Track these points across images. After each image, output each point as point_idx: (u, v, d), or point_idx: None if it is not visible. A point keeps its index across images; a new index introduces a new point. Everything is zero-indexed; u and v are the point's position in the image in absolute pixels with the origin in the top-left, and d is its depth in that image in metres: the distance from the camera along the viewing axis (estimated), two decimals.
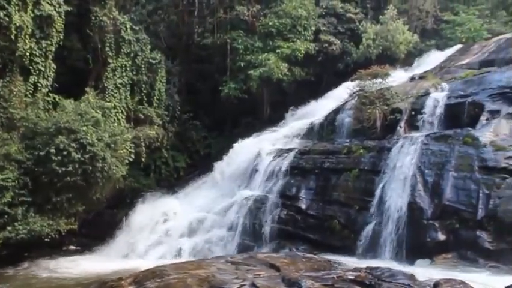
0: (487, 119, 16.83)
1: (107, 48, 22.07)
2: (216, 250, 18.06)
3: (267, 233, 18.10)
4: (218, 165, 22.18)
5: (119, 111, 22.01)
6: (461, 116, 17.68)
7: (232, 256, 11.63)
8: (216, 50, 27.30)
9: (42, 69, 19.07)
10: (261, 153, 20.52)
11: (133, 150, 20.71)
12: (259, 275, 9.09)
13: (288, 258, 10.91)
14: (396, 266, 11.88)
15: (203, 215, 19.82)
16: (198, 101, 27.53)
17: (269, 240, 18.00)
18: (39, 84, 19.09)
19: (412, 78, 22.30)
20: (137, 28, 23.52)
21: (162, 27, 27.62)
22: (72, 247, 21.14)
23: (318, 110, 22.59)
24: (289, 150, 20.13)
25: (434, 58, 25.53)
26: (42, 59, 19.08)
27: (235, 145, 22.30)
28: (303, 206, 18.16)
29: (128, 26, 22.71)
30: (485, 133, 15.99)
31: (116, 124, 21.01)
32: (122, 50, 22.50)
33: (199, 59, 28.51)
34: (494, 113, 16.91)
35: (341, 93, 22.45)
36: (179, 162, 26.18)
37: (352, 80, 21.78)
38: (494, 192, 14.37)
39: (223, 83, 26.33)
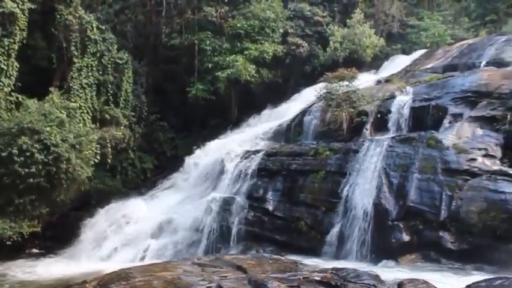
0: (450, 122, 17.19)
1: (72, 48, 21.73)
2: (183, 252, 17.94)
3: (234, 235, 18.07)
4: (185, 167, 22.06)
5: (85, 111, 21.68)
6: (425, 119, 18.01)
7: (199, 258, 11.59)
8: (183, 50, 27.13)
9: (5, 67, 18.64)
10: (228, 154, 20.48)
11: (98, 151, 20.42)
12: (225, 276, 9.07)
13: (255, 259, 10.91)
14: (361, 267, 12.01)
15: (170, 217, 19.67)
16: (166, 102, 27.33)
17: (236, 241, 17.97)
18: (1, 83, 18.67)
19: (378, 82, 22.62)
20: (103, 27, 23.21)
21: (129, 27, 27.28)
22: (35, 250, 20.71)
23: (285, 111, 22.71)
24: (257, 151, 20.16)
25: (399, 62, 25.97)
26: (5, 58, 18.67)
27: (203, 146, 22.24)
28: (270, 208, 18.20)
29: (94, 25, 22.39)
30: (448, 136, 16.32)
31: (81, 125, 20.72)
32: (88, 50, 22.17)
33: (166, 60, 28.30)
34: (457, 116, 17.28)
35: (309, 96, 22.62)
36: (146, 164, 25.92)
37: (319, 83, 21.96)
38: (456, 194, 14.69)
39: (191, 84, 26.21)
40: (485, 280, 9.16)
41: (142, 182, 25.14)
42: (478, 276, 10.42)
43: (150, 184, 23.97)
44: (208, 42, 26.07)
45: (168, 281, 8.52)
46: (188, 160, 22.25)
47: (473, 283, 9.10)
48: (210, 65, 25.79)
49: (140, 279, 8.66)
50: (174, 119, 27.65)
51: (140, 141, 25.42)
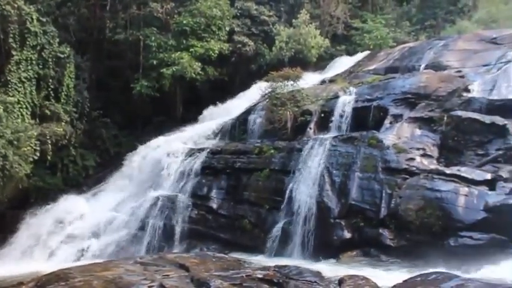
0: (391, 123, 17.68)
1: (10, 40, 20.90)
2: (126, 251, 17.65)
3: (177, 233, 17.95)
4: (128, 165, 21.72)
5: (24, 106, 20.94)
6: (367, 119, 18.43)
7: (141, 257, 11.45)
8: (128, 46, 26.67)
9: None
10: (172, 152, 20.30)
11: (38, 148, 19.86)
12: (168, 275, 9.02)
13: (198, 258, 10.90)
14: (304, 264, 12.24)
15: (112, 215, 19.30)
16: (109, 98, 26.73)
17: (180, 240, 17.86)
18: None
19: (322, 82, 22.96)
20: (44, 20, 22.44)
21: (72, 20, 26.46)
22: None
23: (231, 110, 22.71)
24: (201, 149, 20.07)
25: (343, 63, 26.39)
26: None
27: (147, 144, 21.95)
28: (214, 206, 18.22)
29: (34, 17, 21.63)
30: (389, 136, 16.79)
31: (19, 120, 20.05)
32: (27, 42, 21.40)
33: (110, 55, 27.71)
34: (397, 117, 17.80)
35: (254, 94, 22.71)
36: (88, 161, 25.26)
37: (264, 81, 22.07)
38: (395, 192, 15.15)
39: (135, 81, 25.80)
40: (420, 275, 9.55)
41: (83, 180, 24.48)
42: (414, 272, 10.79)
43: (92, 182, 23.38)
44: (153, 38, 25.72)
45: (109, 280, 8.37)
46: (132, 158, 21.89)
47: (410, 278, 9.47)
48: (155, 62, 25.47)
49: (80, 279, 8.48)
50: (118, 115, 27.10)
51: (82, 138, 24.74)
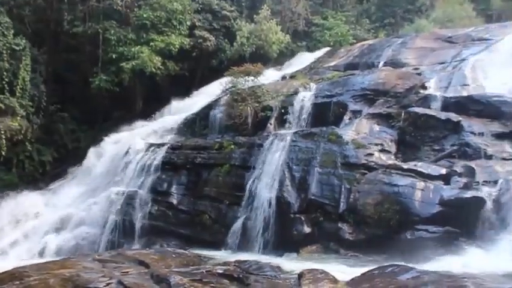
0: (350, 119, 17.97)
1: None
2: (84, 248, 17.34)
3: (137, 230, 17.75)
4: (87, 160, 21.35)
5: None
6: (327, 114, 18.68)
7: (100, 254, 11.33)
8: (87, 39, 26.12)
9: None
10: (132, 148, 20.02)
11: None
12: (127, 272, 8.92)
13: (158, 254, 10.85)
14: (265, 259, 12.32)
15: (70, 212, 18.91)
16: (67, 92, 26.19)
17: (140, 236, 17.64)
18: None
19: (283, 77, 23.11)
20: None
21: (27, 11, 25.72)
22: None
23: (191, 105, 22.60)
24: (161, 145, 19.88)
25: (304, 59, 26.63)
26: None
27: (106, 139, 21.63)
28: (174, 202, 18.06)
29: None
30: (348, 131, 17.02)
31: None
32: None
33: (68, 48, 27.07)
34: (356, 113, 18.10)
35: (215, 90, 22.66)
36: (45, 156, 24.72)
37: (225, 77, 22.05)
38: (354, 187, 15.36)
39: (94, 75, 25.37)
40: (378, 268, 9.75)
41: (40, 176, 23.98)
42: (372, 265, 10.98)
43: (49, 178, 22.94)
44: (113, 31, 25.30)
45: (66, 278, 8.22)
46: (91, 153, 21.53)
47: (368, 271, 9.65)
48: (114, 56, 25.08)
49: (36, 278, 8.29)
50: (76, 110, 26.57)
51: (39, 132, 24.15)
